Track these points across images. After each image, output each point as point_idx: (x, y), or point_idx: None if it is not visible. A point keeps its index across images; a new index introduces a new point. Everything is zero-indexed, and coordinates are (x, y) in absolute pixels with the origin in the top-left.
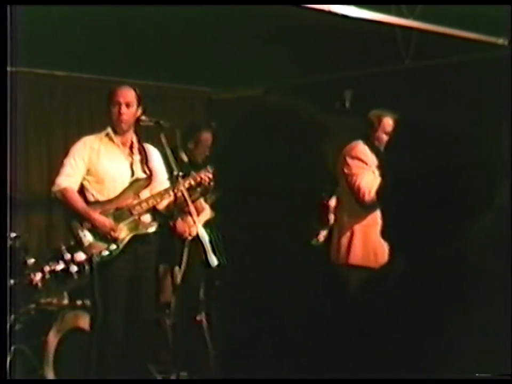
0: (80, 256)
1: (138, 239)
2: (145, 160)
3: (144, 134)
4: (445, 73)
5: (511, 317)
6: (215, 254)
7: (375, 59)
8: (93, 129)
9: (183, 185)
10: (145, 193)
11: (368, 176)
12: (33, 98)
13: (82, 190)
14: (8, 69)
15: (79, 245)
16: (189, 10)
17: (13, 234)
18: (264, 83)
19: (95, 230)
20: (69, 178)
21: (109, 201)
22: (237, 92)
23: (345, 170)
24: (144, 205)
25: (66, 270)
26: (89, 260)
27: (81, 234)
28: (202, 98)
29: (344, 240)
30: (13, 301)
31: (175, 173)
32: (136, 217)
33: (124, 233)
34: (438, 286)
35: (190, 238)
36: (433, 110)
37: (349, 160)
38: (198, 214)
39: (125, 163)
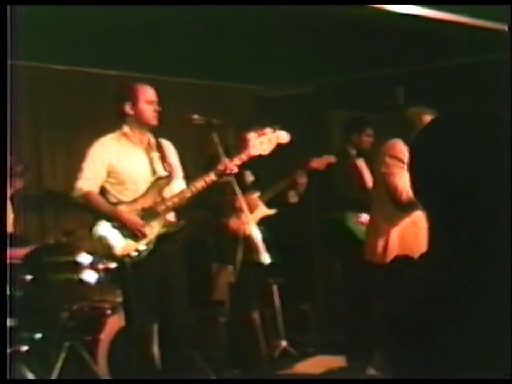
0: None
1: (165, 238)
2: (164, 157)
3: (196, 132)
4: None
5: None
6: (268, 252)
7: (424, 55)
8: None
9: (209, 179)
10: (167, 191)
11: (405, 176)
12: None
13: (103, 192)
14: (29, 63)
15: (108, 247)
16: (237, 9)
17: (67, 232)
18: (314, 80)
19: (124, 230)
20: (89, 182)
21: (133, 201)
22: (287, 89)
23: (383, 170)
24: (169, 204)
25: (119, 268)
26: (120, 261)
27: (109, 236)
28: (253, 96)
29: (381, 241)
30: (67, 298)
31: (224, 172)
32: (162, 217)
33: (152, 232)
34: (479, 286)
35: (243, 235)
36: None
37: (388, 159)
38: (252, 212)
39: (144, 161)
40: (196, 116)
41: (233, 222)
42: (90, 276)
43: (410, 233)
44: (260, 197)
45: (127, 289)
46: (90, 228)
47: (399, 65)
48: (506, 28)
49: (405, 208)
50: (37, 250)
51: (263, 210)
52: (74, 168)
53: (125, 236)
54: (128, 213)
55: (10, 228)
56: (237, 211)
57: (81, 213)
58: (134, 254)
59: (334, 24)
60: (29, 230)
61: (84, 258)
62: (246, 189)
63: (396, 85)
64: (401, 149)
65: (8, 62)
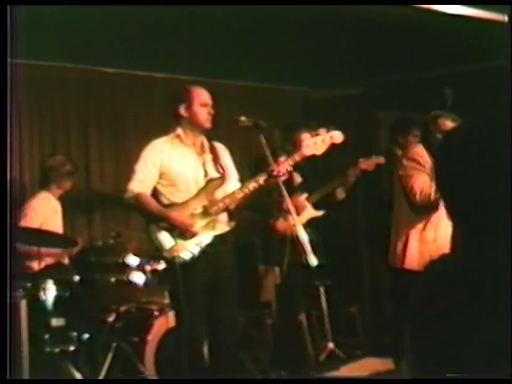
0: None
1: (216, 239)
2: (216, 159)
3: (243, 134)
4: None
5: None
6: (314, 254)
7: (472, 56)
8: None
9: (261, 180)
10: (219, 193)
11: (421, 178)
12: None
13: (155, 194)
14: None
15: (159, 248)
16: (284, 9)
17: (114, 234)
18: (363, 81)
19: (174, 231)
20: (141, 183)
21: (185, 203)
22: (335, 90)
23: (400, 172)
24: (221, 205)
25: (167, 270)
26: (171, 262)
27: (161, 236)
28: (300, 98)
29: (400, 244)
30: (114, 299)
31: (274, 173)
32: (214, 217)
33: (203, 233)
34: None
35: (290, 237)
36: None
37: (405, 162)
38: (299, 214)
39: (197, 163)
40: (243, 118)
41: (280, 224)
42: (138, 277)
43: (429, 236)
44: (308, 199)
45: (177, 289)
46: (139, 229)
47: (448, 66)
48: (505, 19)
49: (420, 210)
50: (85, 251)
51: (311, 212)
52: (121, 169)
53: (175, 237)
54: (179, 214)
55: (59, 229)
56: (284, 213)
57: (129, 214)
58: (184, 254)
59: (382, 25)
60: (77, 231)
61: (132, 259)
62: (293, 190)
63: (445, 86)
64: (419, 152)
65: (55, 64)
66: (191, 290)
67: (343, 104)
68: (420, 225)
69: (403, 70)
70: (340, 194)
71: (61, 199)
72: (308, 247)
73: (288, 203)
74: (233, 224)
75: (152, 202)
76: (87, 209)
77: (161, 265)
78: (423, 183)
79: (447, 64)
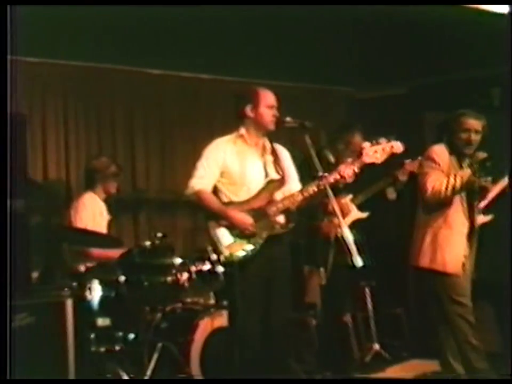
0: (222, 257)
1: (273, 240)
2: (277, 161)
3: (287, 135)
4: None
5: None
6: (360, 255)
7: None
8: (222, 132)
9: (323, 184)
10: (279, 194)
11: (435, 175)
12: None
13: (215, 192)
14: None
15: (217, 245)
16: (330, 10)
17: (160, 234)
18: (408, 82)
19: (233, 229)
20: (202, 180)
21: (244, 202)
22: (380, 91)
23: (417, 170)
24: (280, 206)
25: (212, 271)
26: (228, 259)
27: (219, 234)
28: (346, 99)
29: (417, 242)
30: (160, 299)
31: (320, 173)
32: (272, 218)
33: (260, 233)
34: None
35: (335, 238)
36: None
37: (423, 161)
38: (344, 215)
39: (258, 164)
40: (288, 119)
41: (325, 225)
42: (183, 278)
43: (443, 235)
44: (352, 200)
45: (233, 287)
46: (185, 230)
47: (495, 65)
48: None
49: (430, 207)
50: (131, 252)
51: (356, 214)
52: (167, 170)
53: (233, 235)
54: (239, 212)
55: (104, 229)
56: (329, 214)
57: (175, 215)
58: (241, 253)
59: (426, 25)
60: (123, 232)
61: (177, 260)
62: (338, 192)
63: (491, 86)
64: (437, 150)
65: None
66: (246, 288)
67: (388, 105)
68: (435, 223)
69: (449, 70)
70: (391, 194)
71: (106, 200)
72: (353, 248)
73: (334, 204)
74: (291, 225)
75: (213, 199)
76: (133, 210)
77: (207, 266)
78: (435, 180)
79: (494, 64)
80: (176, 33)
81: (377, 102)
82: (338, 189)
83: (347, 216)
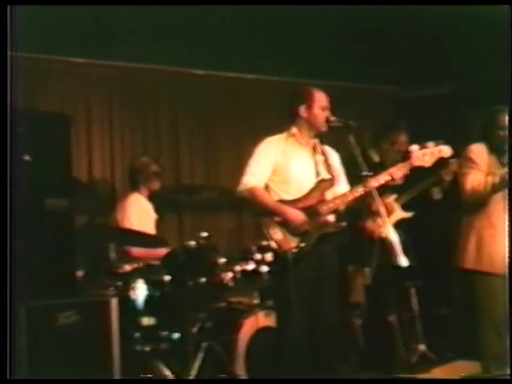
0: (270, 255)
1: (324, 239)
2: (327, 161)
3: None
4: None
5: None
6: (405, 255)
7: None
8: (277, 130)
9: (373, 185)
10: (329, 194)
11: (474, 175)
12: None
13: (266, 190)
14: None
15: (269, 241)
16: (373, 10)
17: (204, 234)
18: (452, 80)
19: (286, 226)
20: (255, 177)
21: (295, 200)
22: (424, 90)
23: (457, 171)
24: (331, 205)
25: (256, 270)
26: (279, 256)
27: (271, 230)
28: (390, 98)
29: (461, 243)
30: (205, 299)
31: (365, 173)
32: (323, 217)
33: (312, 232)
34: None
35: (379, 238)
36: None
37: (462, 160)
38: (389, 215)
39: (310, 163)
40: (332, 118)
41: (369, 225)
42: (225, 278)
43: (487, 235)
44: (397, 200)
45: (283, 284)
46: (230, 230)
47: None
48: None
49: (473, 208)
50: (176, 252)
51: (400, 214)
52: (211, 169)
53: (285, 232)
54: (293, 208)
55: (150, 229)
56: (374, 214)
57: (220, 215)
58: (293, 250)
59: (470, 23)
60: (168, 231)
61: (221, 260)
62: (383, 191)
63: None
64: (475, 149)
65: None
66: (293, 287)
67: (433, 104)
68: (478, 223)
69: (493, 68)
70: (436, 194)
71: (151, 199)
72: (397, 248)
73: (378, 204)
74: (341, 225)
75: (267, 196)
76: (177, 209)
77: (250, 266)
78: (474, 180)
79: None
80: (221, 33)
81: (422, 101)
82: (383, 189)
83: (391, 215)
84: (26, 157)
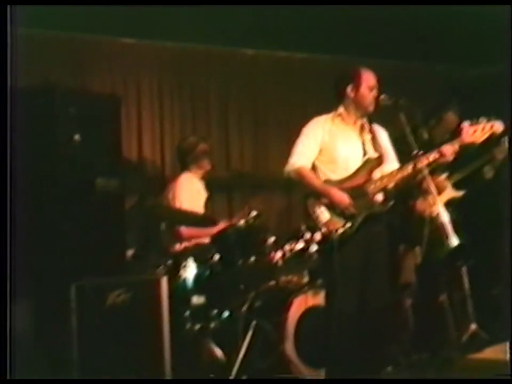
0: (319, 235)
1: (371, 218)
2: (375, 140)
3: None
4: None
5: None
6: (455, 234)
7: None
8: (327, 110)
9: (422, 163)
10: (377, 173)
11: None
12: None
13: (313, 170)
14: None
15: (316, 222)
16: None
17: (254, 213)
18: (505, 59)
19: (332, 207)
20: (302, 157)
21: (343, 180)
22: (476, 68)
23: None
24: (378, 184)
25: (306, 249)
26: (326, 237)
27: (318, 211)
28: (441, 76)
29: None
30: (254, 278)
31: (415, 151)
32: (370, 196)
33: (358, 211)
34: None
35: (430, 217)
36: None
37: None
38: (440, 193)
39: (357, 143)
40: (383, 96)
41: (420, 204)
42: (275, 257)
43: None
44: (448, 178)
45: (331, 265)
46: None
47: None
48: None
49: None
50: (226, 231)
51: (451, 192)
52: (261, 149)
53: (332, 213)
54: (339, 190)
55: (201, 208)
56: (424, 193)
57: (269, 194)
58: (340, 230)
59: None
60: (218, 211)
61: (271, 239)
62: (434, 170)
63: None
64: None
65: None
66: (342, 267)
67: (486, 83)
68: None
69: None
70: (488, 173)
71: (203, 179)
72: (448, 227)
73: (429, 183)
74: (389, 204)
75: (314, 177)
76: (227, 189)
77: (300, 245)
78: None
79: None
80: (270, 13)
81: (473, 80)
82: (434, 167)
83: (442, 194)
84: (76, 137)
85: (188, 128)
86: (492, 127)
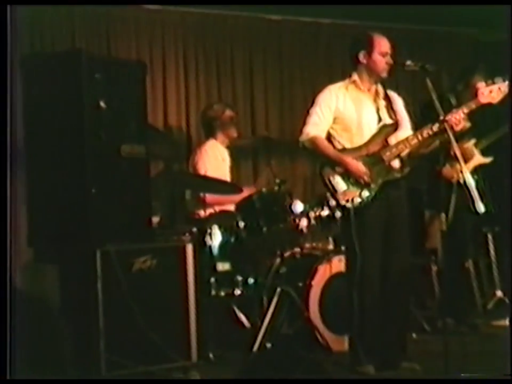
0: (335, 204)
1: (389, 185)
2: (390, 106)
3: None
4: None
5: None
6: (482, 201)
7: None
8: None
9: (439, 127)
10: (392, 139)
11: None
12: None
13: (329, 138)
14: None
15: (332, 191)
16: None
17: (278, 180)
18: None
19: (348, 176)
20: (316, 127)
21: (358, 148)
22: (504, 33)
23: None
24: (394, 151)
25: (331, 216)
26: (343, 206)
27: (333, 181)
28: (470, 41)
29: None
30: (279, 245)
31: (441, 117)
32: (386, 163)
33: (375, 179)
34: None
35: (457, 184)
36: None
37: None
38: (467, 160)
39: (371, 109)
40: (408, 62)
41: (447, 170)
42: (302, 223)
43: None
44: (475, 145)
45: (349, 234)
46: (304, 176)
47: None
48: None
49: None
50: (250, 198)
51: (478, 159)
52: (286, 116)
53: (348, 182)
54: (354, 159)
55: (226, 176)
56: (451, 159)
57: (294, 161)
58: (357, 200)
59: None
60: (243, 178)
61: (296, 206)
62: (461, 136)
63: None
64: None
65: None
66: (363, 235)
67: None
68: None
69: None
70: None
71: (228, 147)
72: (475, 194)
73: (456, 149)
74: (406, 170)
75: (328, 146)
76: (252, 156)
77: (325, 212)
78: None
79: None
80: None
81: (502, 44)
82: (461, 134)
83: (470, 161)
84: (102, 103)
85: (213, 94)
86: (508, 86)
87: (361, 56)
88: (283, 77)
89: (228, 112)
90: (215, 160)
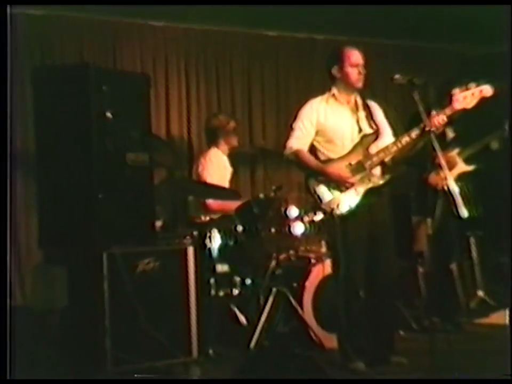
0: (321, 213)
1: (372, 192)
2: (370, 116)
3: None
4: None
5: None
6: (465, 206)
7: None
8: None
9: (416, 134)
10: (373, 148)
11: None
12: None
13: (313, 151)
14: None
15: (318, 201)
16: None
17: (274, 187)
18: None
19: (333, 185)
20: (299, 140)
21: (340, 158)
22: (490, 47)
23: None
24: (375, 159)
25: (324, 221)
26: (330, 214)
27: (318, 191)
28: (455, 55)
29: None
30: (275, 248)
31: (427, 128)
32: (368, 171)
33: (359, 187)
34: None
35: (442, 190)
36: None
37: None
38: (451, 168)
39: (351, 120)
40: (397, 76)
41: (432, 177)
42: (297, 228)
43: None
44: (459, 154)
45: (336, 240)
46: (298, 183)
47: None
48: None
49: None
50: (249, 203)
51: (462, 167)
52: (282, 127)
53: (332, 190)
54: (336, 168)
55: (227, 183)
56: (437, 167)
57: (289, 169)
58: (342, 207)
59: None
60: (242, 185)
61: (291, 211)
62: (446, 145)
63: None
64: None
65: (221, 28)
66: (348, 241)
67: (498, 61)
68: None
69: None
70: (494, 144)
71: (229, 155)
72: (458, 200)
73: (440, 158)
74: (387, 177)
75: (311, 158)
76: (250, 164)
77: (319, 216)
78: None
79: None
80: None
81: (487, 58)
82: (446, 142)
83: (454, 169)
84: (108, 114)
85: (213, 106)
86: (481, 91)
87: (335, 71)
88: (279, 89)
89: (232, 123)
90: (218, 168)
